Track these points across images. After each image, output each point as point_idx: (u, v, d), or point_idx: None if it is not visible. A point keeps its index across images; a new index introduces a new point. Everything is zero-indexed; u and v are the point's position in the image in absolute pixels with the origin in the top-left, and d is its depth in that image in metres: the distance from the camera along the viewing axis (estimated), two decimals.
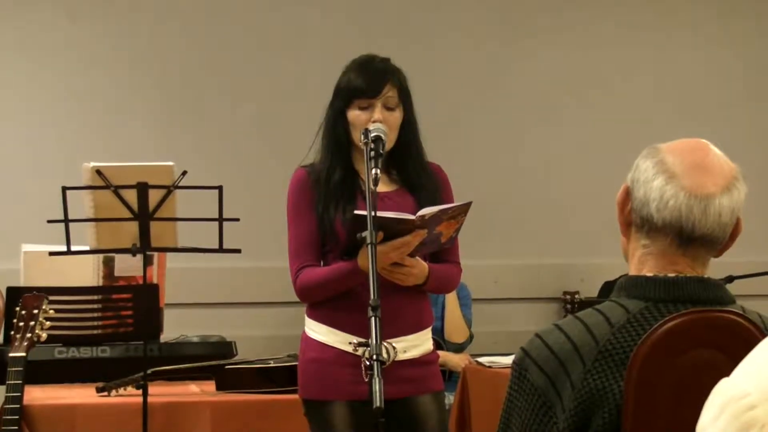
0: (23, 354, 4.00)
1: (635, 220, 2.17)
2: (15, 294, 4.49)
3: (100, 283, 5.03)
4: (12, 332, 4.09)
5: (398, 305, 3.54)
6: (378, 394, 2.94)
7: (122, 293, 4.93)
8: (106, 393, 4.34)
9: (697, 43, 6.94)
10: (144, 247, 4.11)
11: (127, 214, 4.07)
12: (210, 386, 4.50)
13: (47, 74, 6.17)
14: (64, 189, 4.08)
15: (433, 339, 3.77)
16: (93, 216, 4.13)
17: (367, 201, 3.31)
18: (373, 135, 3.49)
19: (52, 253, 4.26)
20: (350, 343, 3.47)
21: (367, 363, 3.02)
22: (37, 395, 4.30)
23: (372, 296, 3.08)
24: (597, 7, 6.84)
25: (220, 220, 4.11)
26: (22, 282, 4.96)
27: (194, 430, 4.18)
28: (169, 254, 5.04)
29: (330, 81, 3.75)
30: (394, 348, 3.54)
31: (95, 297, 4.88)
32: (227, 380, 4.44)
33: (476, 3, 6.68)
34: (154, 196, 4.09)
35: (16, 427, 3.91)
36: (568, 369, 2.08)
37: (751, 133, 6.87)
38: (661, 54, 6.88)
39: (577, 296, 6.53)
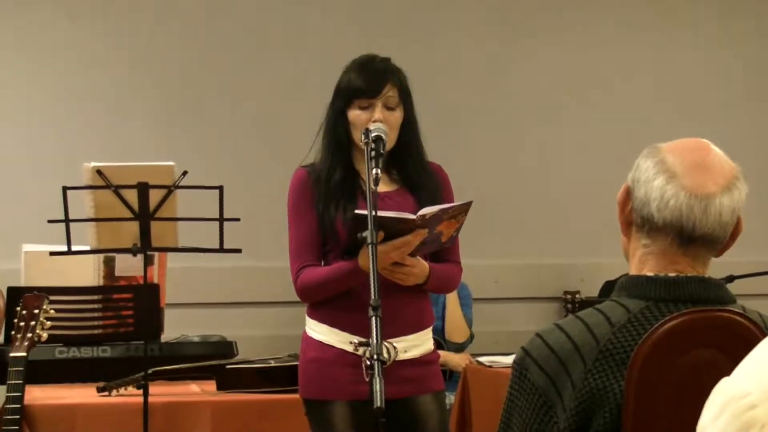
0: (24, 354, 4.01)
1: (636, 220, 2.17)
2: (16, 294, 4.49)
3: (101, 283, 5.03)
4: (13, 332, 4.09)
5: (399, 305, 3.54)
6: (379, 393, 2.94)
7: (123, 293, 4.93)
8: (106, 393, 4.34)
9: (697, 43, 6.94)
10: (144, 247, 4.11)
11: (128, 214, 4.07)
12: (210, 386, 4.50)
13: (47, 74, 6.17)
14: (65, 189, 4.08)
15: (434, 339, 3.77)
16: (93, 216, 4.13)
17: (367, 201, 3.31)
18: (373, 135, 3.50)
19: (52, 253, 4.26)
20: (351, 342, 3.47)
21: (368, 363, 3.02)
22: (37, 395, 4.30)
23: (373, 296, 3.08)
24: (597, 7, 6.84)
25: (221, 220, 4.11)
26: (22, 282, 4.96)
27: (195, 429, 4.18)
28: (169, 254, 5.04)
29: (330, 81, 3.75)
30: (394, 348, 3.55)
31: (96, 297, 4.88)
32: (228, 380, 4.44)
33: (476, 3, 6.67)
34: (154, 196, 4.09)
35: (16, 427, 3.91)
36: (569, 368, 2.08)
37: (751, 133, 6.87)
38: (661, 54, 6.88)
39: (577, 296, 6.54)
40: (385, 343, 3.40)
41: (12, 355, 4.01)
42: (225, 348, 5.05)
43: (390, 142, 3.58)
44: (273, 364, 4.47)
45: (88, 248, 4.21)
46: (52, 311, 4.15)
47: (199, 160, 5.61)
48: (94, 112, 6.20)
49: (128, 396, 4.30)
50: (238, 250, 4.17)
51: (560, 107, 6.72)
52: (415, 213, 3.47)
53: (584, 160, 6.71)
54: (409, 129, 3.67)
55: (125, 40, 6.24)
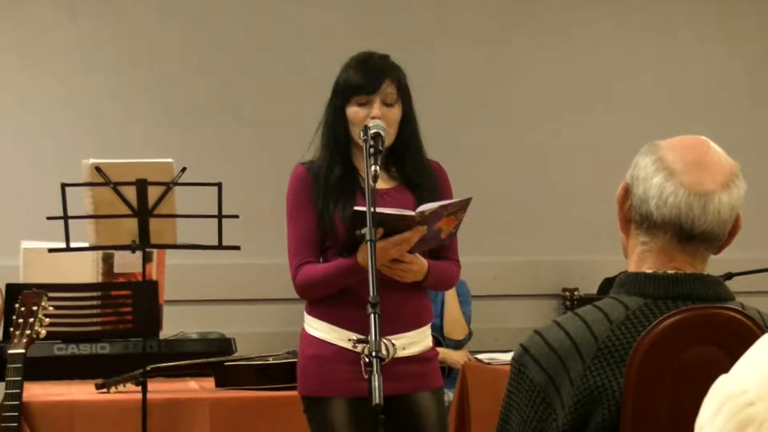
0: (23, 351, 4.01)
1: (634, 217, 2.17)
2: (14, 291, 4.49)
3: (100, 280, 5.03)
4: (11, 329, 4.09)
5: (398, 302, 3.55)
6: (377, 390, 2.94)
7: (121, 290, 4.92)
8: (105, 390, 4.34)
9: (697, 43, 6.94)
10: (143, 243, 4.10)
11: (127, 211, 4.07)
12: (209, 383, 4.50)
13: (47, 71, 6.17)
14: (64, 186, 4.08)
15: (433, 336, 3.77)
16: (92, 213, 4.12)
17: (366, 198, 3.31)
18: (372, 132, 3.50)
19: (51, 250, 4.26)
20: (350, 339, 3.47)
21: (367, 360, 3.02)
22: (36, 392, 4.30)
23: (371, 293, 3.08)
24: (597, 7, 6.85)
25: (220, 217, 4.10)
26: (21, 279, 4.96)
27: (193, 426, 4.18)
28: (168, 251, 5.04)
29: (329, 80, 3.75)
30: (393, 345, 3.55)
31: (94, 294, 4.88)
32: (226, 377, 4.44)
33: (476, 3, 6.68)
34: (153, 193, 4.09)
35: (15, 424, 3.91)
36: (568, 366, 2.08)
37: (750, 132, 6.88)
38: (661, 54, 6.89)
39: (576, 293, 6.54)
40: (384, 340, 3.40)
41: (11, 351, 4.02)
42: (224, 345, 5.04)
43: (389, 138, 3.58)
44: (272, 361, 4.46)
45: (86, 245, 4.21)
46: (50, 308, 4.15)
47: (198, 158, 5.61)
48: (94, 110, 6.20)
49: (127, 393, 4.30)
50: (237, 247, 4.17)
51: (560, 106, 6.73)
52: (414, 210, 3.47)
53: (583, 158, 6.72)
54: (408, 126, 3.67)
55: (125, 39, 6.25)
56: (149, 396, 4.07)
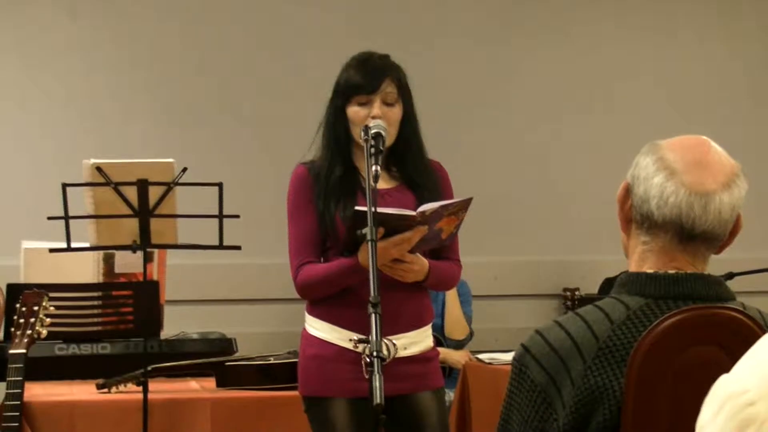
0: (23, 351, 4.01)
1: (635, 217, 2.17)
2: (15, 291, 4.49)
3: (101, 280, 5.03)
4: (12, 329, 4.09)
5: (399, 302, 3.55)
6: (378, 390, 2.94)
7: (122, 290, 4.92)
8: (106, 390, 4.34)
9: (697, 43, 6.94)
10: (144, 243, 4.10)
11: (128, 211, 4.07)
12: (210, 383, 4.50)
13: (47, 71, 6.17)
14: (65, 186, 4.08)
15: (433, 336, 3.77)
16: (93, 213, 4.12)
17: (367, 198, 3.31)
18: (373, 132, 3.50)
19: (52, 250, 4.26)
20: (350, 339, 3.47)
21: (368, 360, 3.02)
22: (37, 392, 4.30)
23: (372, 293, 3.08)
24: (597, 7, 6.85)
25: (220, 217, 4.10)
26: (22, 279, 4.96)
27: (194, 426, 4.18)
28: (169, 251, 5.04)
29: (329, 80, 3.75)
30: (394, 345, 3.55)
31: (95, 294, 4.88)
32: (227, 377, 4.44)
33: (476, 3, 6.68)
34: (154, 193, 4.09)
35: (16, 424, 3.91)
36: (569, 366, 2.08)
37: (750, 132, 6.88)
38: (661, 54, 6.89)
39: (577, 293, 6.55)
40: (385, 340, 3.40)
41: (12, 351, 4.01)
42: (224, 345, 5.04)
43: (389, 138, 3.58)
44: (272, 361, 4.46)
45: (87, 245, 4.21)
46: (51, 308, 4.15)
47: (198, 158, 5.60)
48: (94, 110, 6.21)
49: (128, 393, 4.30)
50: (238, 247, 4.17)
51: (560, 106, 6.73)
52: (415, 210, 3.47)
53: (583, 158, 6.72)
54: (408, 125, 3.67)
55: (125, 39, 6.25)
56: (150, 396, 4.07)
